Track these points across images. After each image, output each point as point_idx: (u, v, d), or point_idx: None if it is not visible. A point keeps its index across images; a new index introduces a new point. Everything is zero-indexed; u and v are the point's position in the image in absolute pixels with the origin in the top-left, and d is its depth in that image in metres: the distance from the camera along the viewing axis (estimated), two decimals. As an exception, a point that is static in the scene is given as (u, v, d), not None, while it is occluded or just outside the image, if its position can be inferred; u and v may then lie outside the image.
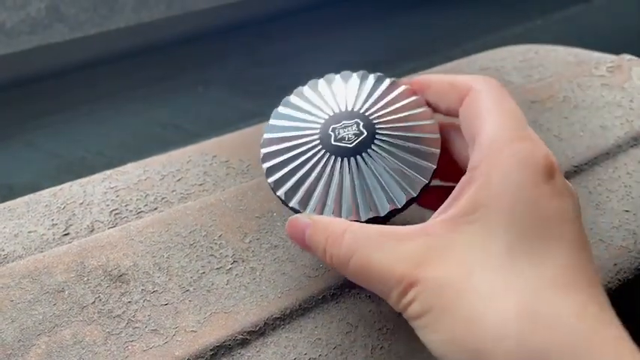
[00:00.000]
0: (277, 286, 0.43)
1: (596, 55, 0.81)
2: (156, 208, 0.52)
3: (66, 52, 1.34)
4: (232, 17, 1.65)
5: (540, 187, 0.30)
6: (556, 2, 1.94)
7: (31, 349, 0.38)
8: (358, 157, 0.38)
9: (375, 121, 0.40)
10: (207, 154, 0.58)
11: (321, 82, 0.44)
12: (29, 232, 0.49)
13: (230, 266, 0.45)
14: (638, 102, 0.67)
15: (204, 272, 0.44)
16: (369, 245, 0.32)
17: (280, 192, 0.39)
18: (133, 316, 0.41)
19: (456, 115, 0.38)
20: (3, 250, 0.47)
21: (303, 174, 0.39)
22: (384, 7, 1.90)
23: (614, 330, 0.28)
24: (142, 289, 0.42)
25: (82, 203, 0.52)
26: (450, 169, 0.41)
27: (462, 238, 0.30)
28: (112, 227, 0.49)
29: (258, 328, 0.40)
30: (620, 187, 0.55)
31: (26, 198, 0.53)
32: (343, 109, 0.41)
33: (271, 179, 0.40)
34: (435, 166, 0.38)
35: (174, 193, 0.53)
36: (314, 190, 0.38)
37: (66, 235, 0.49)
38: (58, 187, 0.54)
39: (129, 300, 0.42)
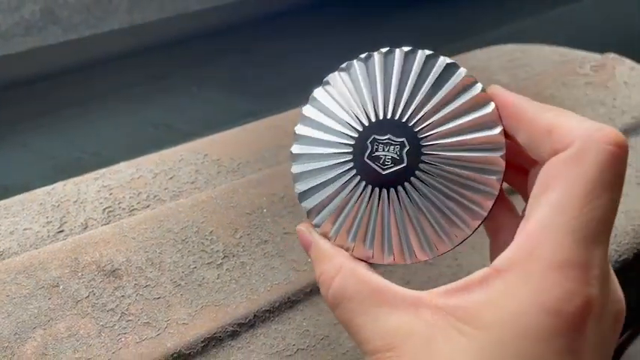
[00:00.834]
0: (267, 279, 0.44)
1: (582, 54, 0.82)
2: (148, 206, 0.53)
3: (60, 53, 1.35)
4: (226, 18, 1.66)
5: (553, 343, 0.24)
6: (546, 2, 1.96)
7: (27, 341, 0.39)
8: (391, 190, 0.31)
9: (423, 144, 0.31)
10: (199, 152, 0.60)
11: (375, 62, 0.33)
12: (24, 229, 0.50)
13: (221, 261, 0.46)
14: (621, 100, 0.69)
15: (195, 267, 0.45)
16: (355, 302, 0.29)
17: (312, 219, 0.33)
18: (126, 310, 0.42)
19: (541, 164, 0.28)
20: (-1, 247, 0.48)
21: (329, 195, 0.32)
22: (376, 7, 1.91)
23: None
24: (135, 284, 0.44)
25: (75, 201, 0.53)
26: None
27: (443, 342, 0.26)
28: (105, 224, 0.50)
29: (247, 320, 0.42)
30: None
31: (21, 197, 0.54)
32: (390, 115, 0.31)
33: (298, 189, 0.33)
34: (485, 216, 0.30)
35: (166, 190, 0.55)
36: (338, 215, 0.32)
37: (60, 232, 0.50)
38: (52, 186, 0.55)
39: (122, 294, 0.43)
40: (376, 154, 0.31)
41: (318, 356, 0.40)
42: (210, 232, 0.48)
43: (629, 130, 0.64)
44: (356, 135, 0.32)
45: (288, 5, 1.78)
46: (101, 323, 0.41)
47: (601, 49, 0.82)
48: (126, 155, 0.61)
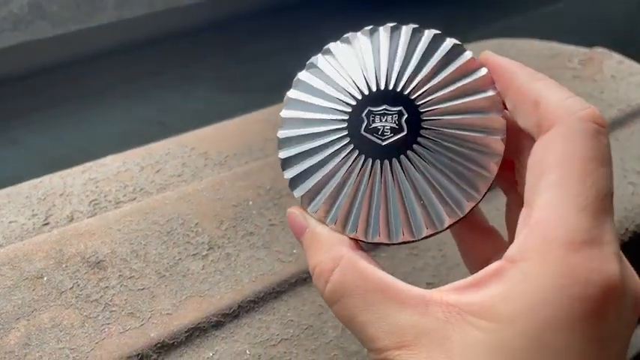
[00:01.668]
0: (252, 270, 0.44)
1: (571, 48, 0.82)
2: (135, 198, 0.53)
3: (49, 49, 1.35)
4: (216, 14, 1.66)
5: (578, 330, 0.24)
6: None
7: (11, 332, 0.39)
8: (393, 160, 0.29)
9: (422, 110, 0.30)
10: (186, 146, 0.59)
11: (361, 37, 0.32)
12: (10, 222, 0.50)
13: (206, 252, 0.46)
14: (608, 93, 0.69)
15: (180, 258, 0.45)
16: (358, 298, 0.27)
17: (307, 205, 0.30)
18: (110, 301, 0.42)
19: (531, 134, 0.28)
20: (-17, 240, 0.48)
21: (325, 174, 0.30)
22: (365, 4, 1.92)
23: None
24: (120, 275, 0.44)
25: (62, 194, 0.53)
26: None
27: (458, 338, 0.25)
28: (91, 217, 0.50)
29: (232, 310, 0.42)
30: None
31: (7, 190, 0.54)
32: (383, 86, 0.30)
33: (288, 175, 0.31)
34: (485, 190, 0.29)
35: (152, 183, 0.55)
36: (337, 197, 0.30)
37: (46, 224, 0.50)
38: (39, 180, 0.55)
39: (106, 285, 0.43)
40: (373, 125, 0.30)
41: (302, 346, 0.40)
42: (196, 224, 0.48)
43: (616, 124, 0.64)
44: (349, 110, 0.30)
45: (278, 1, 1.78)
46: (85, 314, 0.41)
47: (589, 43, 0.83)
48: (116, 151, 0.60)
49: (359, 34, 0.32)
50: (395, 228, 0.29)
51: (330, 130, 0.30)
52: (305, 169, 0.30)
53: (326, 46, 0.32)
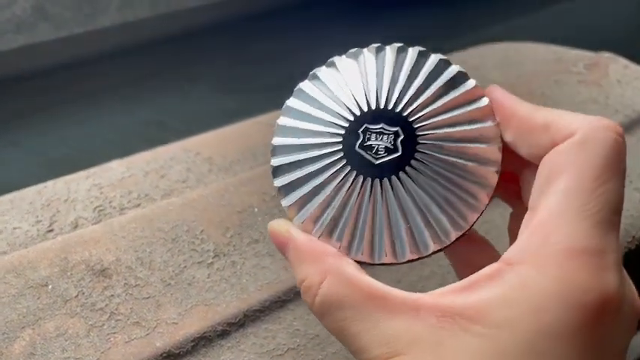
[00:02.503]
0: (257, 279, 0.44)
1: (576, 52, 0.82)
2: (139, 205, 0.52)
3: (51, 51, 1.35)
4: (218, 16, 1.66)
5: (575, 339, 0.23)
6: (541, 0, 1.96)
7: (16, 341, 0.39)
8: (384, 180, 0.29)
9: (419, 133, 0.29)
10: (191, 151, 0.59)
11: (367, 54, 0.32)
12: (14, 228, 0.49)
13: (211, 260, 0.46)
14: (613, 98, 0.69)
15: (185, 266, 0.45)
16: (348, 309, 0.26)
17: (293, 216, 0.30)
18: (116, 309, 0.41)
19: (538, 161, 0.28)
20: (-13, 246, 0.48)
21: (315, 186, 0.30)
22: (368, 5, 1.91)
23: None
24: (125, 283, 0.43)
25: (66, 200, 0.53)
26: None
27: (452, 344, 0.24)
28: (95, 223, 0.50)
29: (237, 319, 0.41)
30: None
31: (10, 195, 0.54)
32: (383, 105, 0.30)
33: (277, 183, 0.31)
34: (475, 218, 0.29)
35: (157, 189, 0.54)
36: (325, 210, 0.30)
37: (50, 231, 0.49)
38: (43, 185, 0.55)
39: (111, 294, 0.43)
40: (368, 143, 0.30)
41: (309, 356, 0.40)
42: (201, 231, 0.48)
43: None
44: (346, 124, 0.30)
45: (279, 3, 1.78)
46: (90, 323, 0.41)
47: (594, 47, 0.82)
48: (117, 153, 0.60)
49: (365, 50, 0.32)
50: (379, 248, 0.29)
51: (325, 143, 0.30)
52: (295, 179, 0.30)
53: (330, 59, 0.32)
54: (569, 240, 0.24)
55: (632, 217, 0.53)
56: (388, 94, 0.30)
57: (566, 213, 0.25)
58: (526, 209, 0.27)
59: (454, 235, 0.28)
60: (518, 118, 0.28)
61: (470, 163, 0.29)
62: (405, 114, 0.30)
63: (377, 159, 0.29)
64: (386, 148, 0.29)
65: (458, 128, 0.29)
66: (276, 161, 0.30)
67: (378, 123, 0.30)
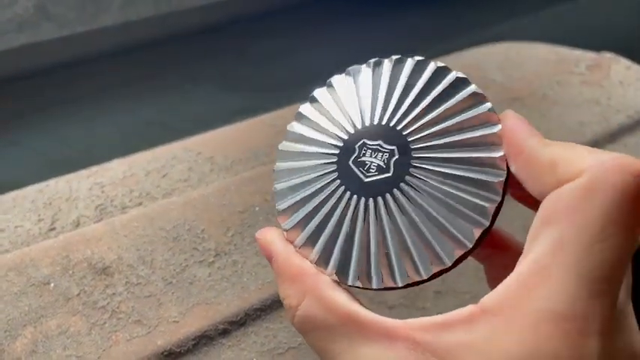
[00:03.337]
0: (258, 277, 0.44)
1: (577, 53, 0.82)
2: (140, 203, 0.53)
3: (53, 50, 1.35)
4: (220, 15, 1.66)
5: None
6: (543, 0, 1.96)
7: (17, 339, 0.39)
8: (369, 199, 0.28)
9: (415, 155, 0.28)
10: (192, 150, 0.59)
11: (364, 69, 0.31)
12: (16, 226, 0.50)
13: (212, 259, 0.46)
14: (615, 99, 0.69)
15: (186, 265, 0.45)
16: (323, 331, 0.26)
17: (283, 222, 0.30)
18: (117, 308, 0.42)
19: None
20: (-11, 245, 0.48)
21: (306, 195, 0.30)
22: (370, 6, 1.91)
23: None
24: (126, 282, 0.43)
25: (67, 199, 0.53)
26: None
27: None
28: (97, 222, 0.50)
29: (239, 318, 0.41)
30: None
31: (13, 194, 0.54)
32: (385, 121, 0.29)
33: (278, 205, 0.30)
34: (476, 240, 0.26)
35: (158, 188, 0.54)
36: (310, 218, 0.29)
37: (52, 229, 0.50)
38: (45, 184, 0.55)
39: (113, 292, 0.43)
40: (362, 159, 0.29)
41: (310, 354, 0.40)
42: (202, 230, 0.48)
43: (623, 130, 0.64)
44: (346, 137, 0.29)
45: (281, 3, 1.78)
46: (92, 321, 0.41)
47: (597, 47, 0.82)
48: (119, 153, 0.60)
49: (363, 66, 0.31)
50: (353, 269, 0.28)
51: (322, 154, 0.30)
52: (290, 186, 0.30)
53: (329, 80, 0.31)
54: (550, 301, 0.22)
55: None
56: (393, 110, 0.29)
57: (555, 268, 0.22)
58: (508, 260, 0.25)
59: (433, 269, 0.26)
60: (527, 152, 0.25)
61: (465, 196, 0.27)
62: (405, 133, 0.28)
63: (366, 176, 0.28)
64: (378, 166, 0.28)
65: (457, 154, 0.27)
66: (278, 166, 0.30)
67: (376, 139, 0.29)
